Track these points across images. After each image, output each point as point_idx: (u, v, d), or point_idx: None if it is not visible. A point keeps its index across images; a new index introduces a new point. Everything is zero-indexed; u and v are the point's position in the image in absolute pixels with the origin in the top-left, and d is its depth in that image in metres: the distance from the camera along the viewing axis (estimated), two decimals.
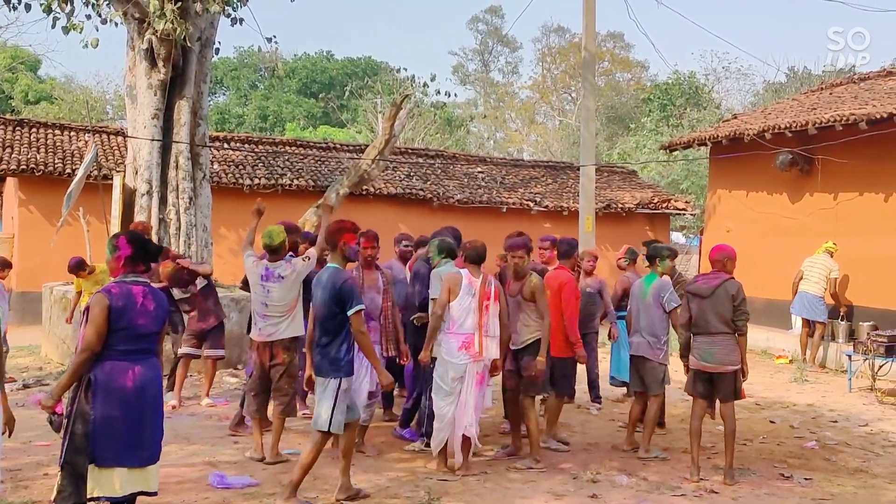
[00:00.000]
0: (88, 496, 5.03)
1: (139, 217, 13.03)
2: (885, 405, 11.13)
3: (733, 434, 7.50)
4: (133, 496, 5.22)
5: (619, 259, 10.50)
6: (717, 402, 7.72)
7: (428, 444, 7.76)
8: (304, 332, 7.59)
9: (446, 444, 7.39)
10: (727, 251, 7.76)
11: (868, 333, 12.45)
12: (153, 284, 5.61)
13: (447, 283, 7.30)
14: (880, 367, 11.87)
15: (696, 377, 7.60)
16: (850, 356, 12.32)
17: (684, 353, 7.73)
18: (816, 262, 14.32)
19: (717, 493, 7.02)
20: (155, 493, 5.38)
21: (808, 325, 14.38)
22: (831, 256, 14.24)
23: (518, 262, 7.66)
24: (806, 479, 7.55)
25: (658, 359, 8.15)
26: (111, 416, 5.00)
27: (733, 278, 7.57)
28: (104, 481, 5.03)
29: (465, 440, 7.37)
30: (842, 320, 14.24)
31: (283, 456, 7.62)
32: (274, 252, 7.71)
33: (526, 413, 7.71)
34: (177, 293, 9.87)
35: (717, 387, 7.50)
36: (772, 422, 10.05)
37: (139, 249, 5.22)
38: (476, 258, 7.40)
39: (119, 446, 5.04)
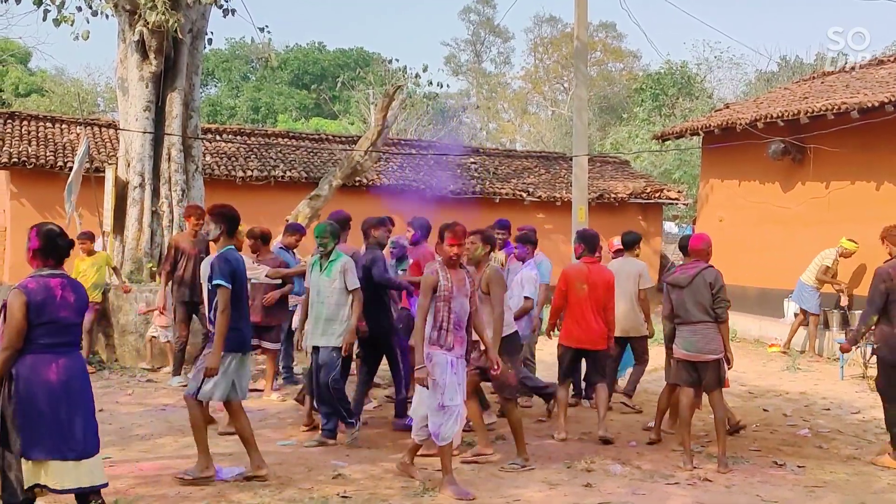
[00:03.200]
0: (25, 486, 5.04)
1: (131, 210, 12.99)
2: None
3: (723, 422, 7.53)
4: (84, 493, 5.21)
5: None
6: (704, 391, 7.76)
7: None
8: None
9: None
10: (709, 240, 7.83)
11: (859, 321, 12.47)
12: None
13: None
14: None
15: (680, 366, 7.64)
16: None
17: (668, 344, 7.78)
18: (821, 254, 14.15)
19: (710, 481, 7.05)
20: (104, 486, 5.34)
21: (804, 314, 14.39)
22: (841, 255, 13.96)
23: (471, 248, 7.34)
24: (799, 466, 7.59)
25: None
26: (36, 410, 5.00)
27: (711, 266, 7.60)
28: (39, 474, 5.05)
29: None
30: (839, 308, 14.17)
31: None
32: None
33: (508, 414, 7.54)
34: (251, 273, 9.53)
35: (702, 375, 7.54)
36: (765, 410, 10.09)
37: (47, 244, 5.19)
38: None
39: (47, 440, 5.03)
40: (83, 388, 5.24)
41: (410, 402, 8.35)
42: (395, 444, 7.95)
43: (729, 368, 7.64)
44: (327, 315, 7.73)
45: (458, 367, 6.62)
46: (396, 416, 8.64)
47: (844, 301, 14.09)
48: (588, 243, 8.60)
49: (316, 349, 7.80)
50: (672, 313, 7.65)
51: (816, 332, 14.20)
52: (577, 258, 8.70)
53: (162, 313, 11.39)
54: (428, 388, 6.45)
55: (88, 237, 12.09)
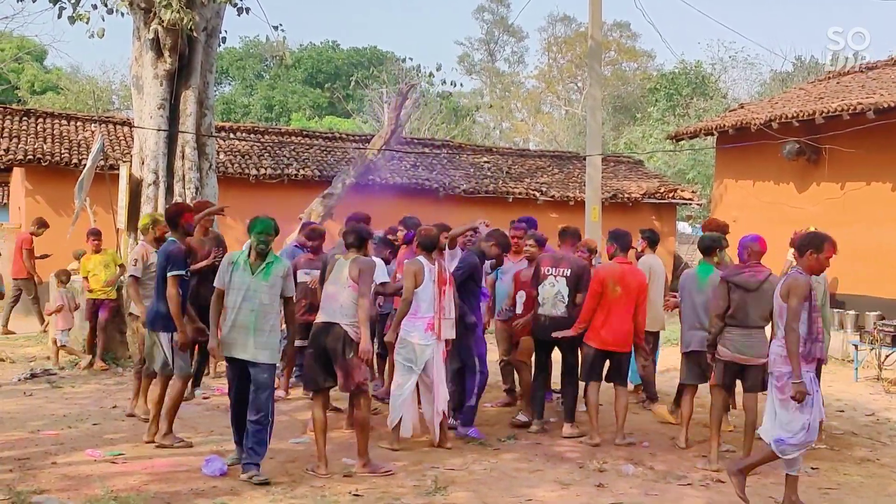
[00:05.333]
0: None
1: (145, 207, 13.02)
2: (891, 395, 11.13)
3: (754, 425, 7.41)
4: None
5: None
6: (747, 391, 7.65)
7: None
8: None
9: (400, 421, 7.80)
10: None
11: (875, 323, 12.44)
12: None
13: (412, 272, 7.70)
14: (887, 356, 11.86)
15: (726, 369, 7.50)
16: (856, 346, 12.31)
17: (713, 343, 7.52)
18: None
19: (723, 482, 7.01)
20: None
21: None
22: None
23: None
24: (812, 468, 7.54)
25: None
26: None
27: (773, 273, 7.56)
28: None
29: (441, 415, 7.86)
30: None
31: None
32: (141, 233, 9.11)
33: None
34: (301, 275, 9.25)
35: (746, 377, 7.50)
36: None
37: None
38: (430, 245, 7.83)
39: None
40: None
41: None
42: (406, 443, 7.95)
43: None
44: (262, 325, 6.83)
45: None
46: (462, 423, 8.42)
47: None
48: (621, 243, 8.52)
49: (242, 363, 6.87)
50: (726, 313, 7.44)
51: None
52: (610, 258, 8.58)
53: (59, 313, 11.42)
54: (801, 403, 6.07)
55: (97, 235, 12.18)
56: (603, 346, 8.28)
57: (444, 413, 7.89)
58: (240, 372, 6.94)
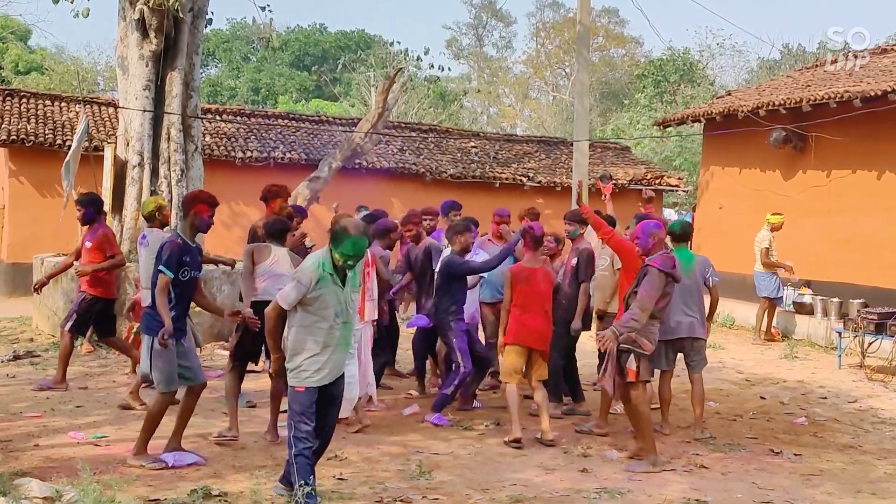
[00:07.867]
0: None
1: (130, 189, 12.94)
2: (874, 382, 11.19)
3: None
4: None
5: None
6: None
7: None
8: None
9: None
10: None
11: (858, 311, 12.48)
12: None
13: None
14: (870, 344, 11.91)
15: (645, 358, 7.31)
16: (840, 333, 12.36)
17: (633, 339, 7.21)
18: (756, 239, 14.56)
19: (706, 468, 7.05)
20: None
21: (765, 300, 14.54)
22: (772, 230, 14.38)
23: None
24: (795, 454, 7.59)
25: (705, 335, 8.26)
26: None
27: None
28: None
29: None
30: (803, 286, 14.67)
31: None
32: (147, 220, 8.43)
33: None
34: None
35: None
36: (762, 398, 10.09)
37: None
38: None
39: None
40: None
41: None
42: (390, 427, 7.96)
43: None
44: (350, 340, 6.14)
45: None
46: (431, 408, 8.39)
47: (794, 278, 14.60)
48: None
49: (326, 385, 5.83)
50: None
51: (764, 315, 14.46)
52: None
53: None
54: None
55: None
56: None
57: (369, 397, 8.02)
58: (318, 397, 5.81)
